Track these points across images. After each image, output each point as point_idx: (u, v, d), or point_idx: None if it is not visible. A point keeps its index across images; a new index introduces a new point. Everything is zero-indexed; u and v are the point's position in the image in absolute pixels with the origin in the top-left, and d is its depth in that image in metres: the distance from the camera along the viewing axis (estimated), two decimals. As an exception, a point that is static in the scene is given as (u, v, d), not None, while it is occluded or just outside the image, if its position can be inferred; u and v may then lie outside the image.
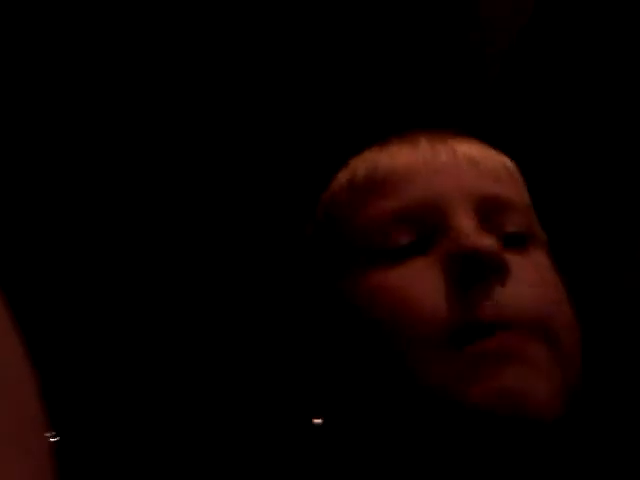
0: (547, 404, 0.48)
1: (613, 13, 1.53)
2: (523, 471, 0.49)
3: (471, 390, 0.48)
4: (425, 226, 0.55)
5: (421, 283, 0.52)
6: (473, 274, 0.51)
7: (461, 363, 0.49)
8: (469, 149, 0.59)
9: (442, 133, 0.62)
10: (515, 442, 0.48)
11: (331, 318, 0.57)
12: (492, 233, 0.54)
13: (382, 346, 0.52)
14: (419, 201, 0.55)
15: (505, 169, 0.60)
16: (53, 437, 2.79)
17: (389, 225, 0.55)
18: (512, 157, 0.63)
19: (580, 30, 1.55)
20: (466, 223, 0.54)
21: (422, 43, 1.85)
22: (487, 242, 0.52)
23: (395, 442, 0.52)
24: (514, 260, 0.53)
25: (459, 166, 0.57)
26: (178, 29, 1.91)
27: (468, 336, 0.49)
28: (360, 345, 0.53)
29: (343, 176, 0.61)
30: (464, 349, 0.49)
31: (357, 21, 1.85)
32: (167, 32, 1.92)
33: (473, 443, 0.48)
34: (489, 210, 0.56)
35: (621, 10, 1.52)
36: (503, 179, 0.59)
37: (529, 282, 0.53)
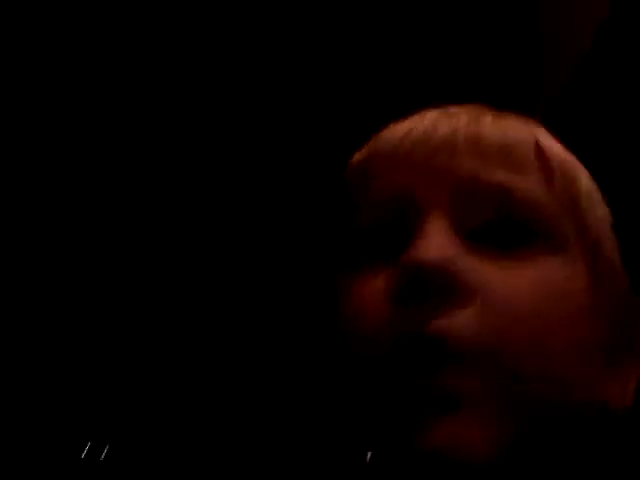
0: (484, 451, 0.41)
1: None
2: None
3: (416, 435, 0.41)
4: (398, 226, 0.47)
5: (369, 295, 0.45)
6: (417, 292, 0.42)
7: (401, 399, 0.42)
8: (479, 122, 0.49)
9: (460, 106, 0.51)
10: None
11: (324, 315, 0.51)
12: (473, 231, 0.45)
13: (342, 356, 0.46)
14: (395, 194, 0.47)
15: (527, 149, 0.48)
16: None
17: (363, 222, 0.48)
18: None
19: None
20: (431, 226, 0.45)
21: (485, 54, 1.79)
22: (434, 255, 0.42)
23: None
24: (491, 271, 0.44)
25: (453, 145, 0.47)
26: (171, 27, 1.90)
27: (408, 366, 0.42)
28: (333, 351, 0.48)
29: (355, 156, 0.54)
30: (404, 382, 0.42)
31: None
32: (166, 32, 1.92)
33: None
34: (480, 201, 0.46)
35: None
36: (515, 161, 0.47)
37: (500, 304, 0.43)
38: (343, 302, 0.47)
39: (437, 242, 0.43)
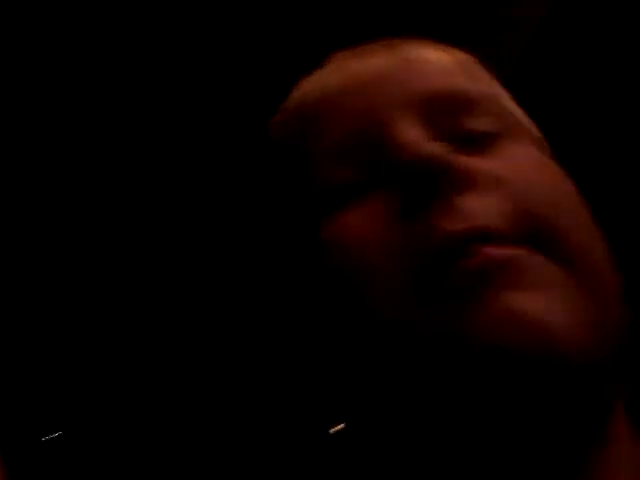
0: (572, 334, 0.35)
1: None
2: (546, 425, 0.37)
3: (470, 324, 0.36)
4: (369, 153, 0.44)
5: (367, 222, 0.41)
6: (423, 192, 0.39)
7: (446, 298, 0.37)
8: (416, 49, 0.49)
9: (392, 39, 0.50)
10: (534, 389, 0.35)
11: (300, 276, 0.46)
12: (445, 137, 0.43)
13: (348, 305, 0.41)
14: (354, 125, 0.45)
15: (461, 63, 0.49)
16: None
17: (330, 163, 0.44)
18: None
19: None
20: (406, 133, 0.42)
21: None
22: (429, 147, 0.40)
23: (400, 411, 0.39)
24: (481, 162, 0.41)
25: (399, 68, 0.46)
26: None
27: (441, 265, 0.38)
28: (326, 304, 0.43)
29: (283, 107, 0.51)
30: (444, 280, 0.37)
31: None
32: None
33: (485, 392, 0.36)
34: (441, 109, 0.44)
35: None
36: (457, 72, 0.47)
37: (506, 183, 0.40)
38: (332, 246, 0.42)
39: (422, 141, 0.41)
